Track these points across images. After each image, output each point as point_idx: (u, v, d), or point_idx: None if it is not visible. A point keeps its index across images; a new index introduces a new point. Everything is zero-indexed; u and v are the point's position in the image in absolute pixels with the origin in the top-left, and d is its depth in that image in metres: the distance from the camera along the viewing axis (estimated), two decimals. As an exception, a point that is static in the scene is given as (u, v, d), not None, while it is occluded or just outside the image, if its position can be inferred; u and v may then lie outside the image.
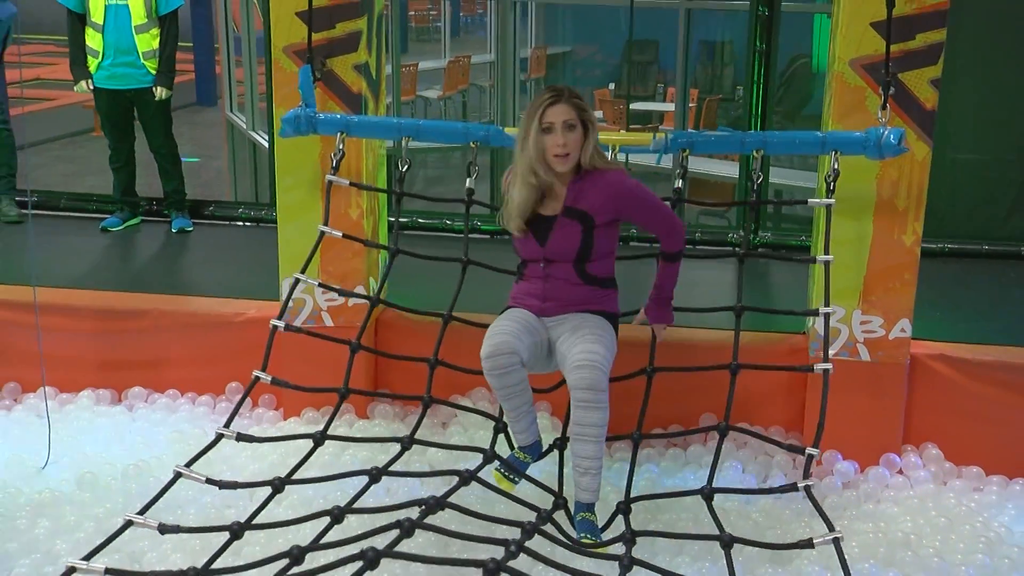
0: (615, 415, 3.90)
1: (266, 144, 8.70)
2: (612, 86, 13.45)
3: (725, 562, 3.52)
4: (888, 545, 4.19)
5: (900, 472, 4.83)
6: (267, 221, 7.25)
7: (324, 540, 3.40)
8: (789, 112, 10.21)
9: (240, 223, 7.42)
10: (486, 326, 4.19)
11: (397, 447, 4.29)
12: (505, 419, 4.20)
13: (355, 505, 3.80)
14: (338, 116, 4.69)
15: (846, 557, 3.41)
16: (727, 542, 3.51)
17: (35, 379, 5.50)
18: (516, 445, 4.16)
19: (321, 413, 5.14)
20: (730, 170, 7.18)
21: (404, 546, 3.08)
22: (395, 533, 3.08)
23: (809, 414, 4.90)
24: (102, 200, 7.42)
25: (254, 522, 3.62)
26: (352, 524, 3.61)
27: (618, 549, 3.61)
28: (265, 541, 3.95)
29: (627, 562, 3.20)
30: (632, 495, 4.14)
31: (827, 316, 4.09)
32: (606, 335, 3.96)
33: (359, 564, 2.89)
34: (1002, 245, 6.58)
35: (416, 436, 4.31)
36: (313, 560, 3.14)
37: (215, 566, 3.31)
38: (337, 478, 4.08)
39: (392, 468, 4.12)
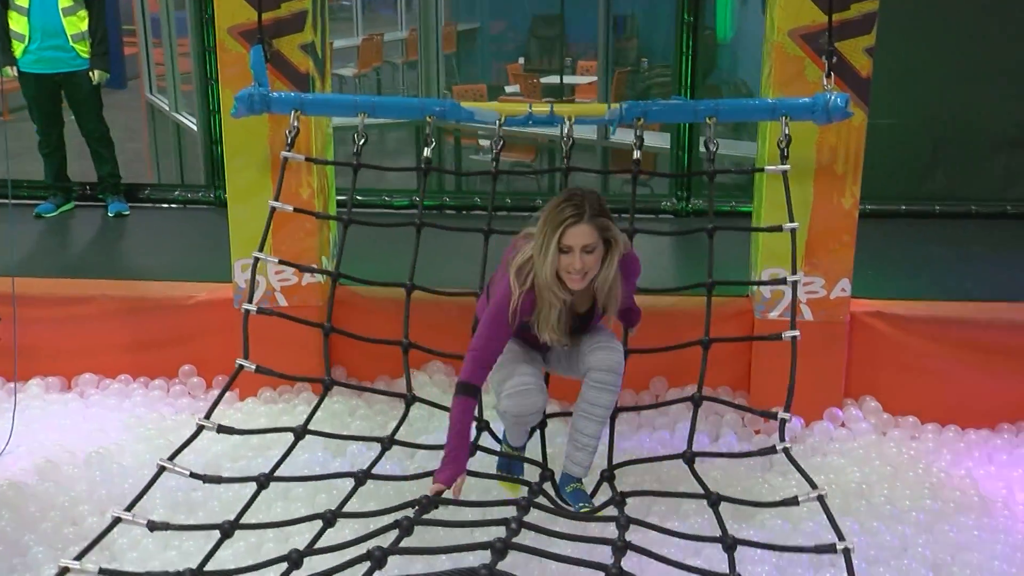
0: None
1: (192, 126, 8.45)
2: (522, 60, 13.36)
3: (703, 521, 3.52)
4: (842, 496, 4.22)
5: (843, 425, 4.88)
6: (205, 203, 7.05)
7: (319, 544, 3.31)
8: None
9: (177, 206, 7.18)
10: (447, 295, 4.14)
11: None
12: (506, 434, 4.10)
13: (350, 503, 3.74)
14: (292, 94, 4.53)
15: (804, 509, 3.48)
16: (714, 501, 3.51)
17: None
18: (509, 444, 4.09)
19: (278, 392, 5.04)
20: (660, 141, 7.14)
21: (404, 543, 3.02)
22: (394, 533, 3.00)
23: (755, 374, 4.93)
24: (33, 186, 7.11)
25: (243, 520, 3.51)
26: (344, 524, 3.56)
27: (611, 512, 3.59)
28: (254, 538, 3.86)
29: (624, 521, 3.16)
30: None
31: (795, 284, 4.09)
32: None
33: (363, 565, 2.83)
34: (919, 205, 6.70)
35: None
36: (312, 564, 3.06)
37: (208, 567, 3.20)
38: (323, 478, 4.00)
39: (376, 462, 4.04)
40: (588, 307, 3.73)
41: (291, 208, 4.43)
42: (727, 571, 3.12)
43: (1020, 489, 4.40)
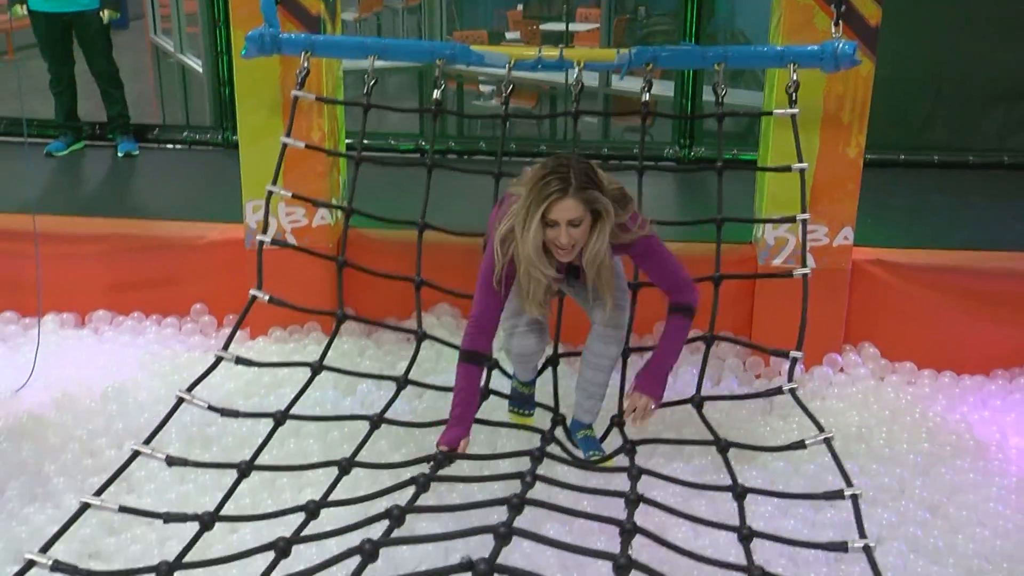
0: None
1: (197, 67, 8.39)
2: (521, 7, 13.24)
3: (707, 462, 3.55)
4: (842, 439, 4.25)
5: (842, 370, 4.91)
6: (212, 144, 7.02)
7: (336, 491, 3.38)
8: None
9: (186, 146, 7.14)
10: (457, 235, 4.16)
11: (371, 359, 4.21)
12: (513, 369, 4.10)
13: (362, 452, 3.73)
14: (303, 36, 4.49)
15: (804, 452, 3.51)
16: (723, 447, 3.54)
17: (-4, 301, 5.32)
18: (519, 380, 4.11)
19: (288, 332, 5.05)
20: (662, 89, 7.10)
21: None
22: (411, 490, 3.02)
23: (757, 320, 4.95)
24: (44, 124, 7.07)
25: (257, 461, 3.54)
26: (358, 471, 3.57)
27: (621, 461, 3.62)
28: (269, 473, 3.84)
29: (636, 472, 3.20)
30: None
31: (804, 222, 4.08)
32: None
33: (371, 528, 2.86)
34: (917, 155, 6.68)
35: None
36: (329, 514, 3.12)
37: (225, 512, 3.24)
38: (338, 419, 4.00)
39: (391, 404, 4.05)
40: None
41: (303, 144, 4.42)
42: (736, 517, 3.18)
43: (1014, 433, 4.45)
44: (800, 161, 4.20)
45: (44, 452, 4.12)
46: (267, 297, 4.04)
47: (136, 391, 4.52)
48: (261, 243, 4.13)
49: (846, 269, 4.87)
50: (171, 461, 3.41)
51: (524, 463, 3.29)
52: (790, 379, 3.80)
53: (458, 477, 3.32)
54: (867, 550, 2.89)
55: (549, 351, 4.21)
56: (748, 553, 2.94)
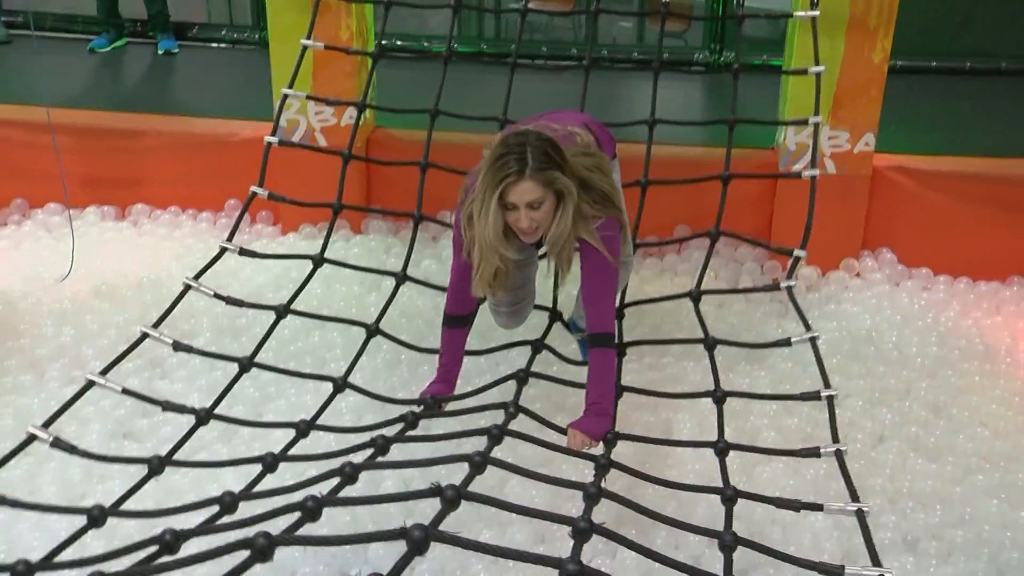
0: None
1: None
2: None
3: (708, 362, 3.55)
4: (852, 342, 4.28)
5: (858, 275, 4.89)
6: (251, 43, 7.01)
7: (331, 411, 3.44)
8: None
9: (226, 45, 7.13)
10: (470, 119, 4.26)
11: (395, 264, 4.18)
12: None
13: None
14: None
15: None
16: (711, 345, 3.52)
17: (40, 195, 5.40)
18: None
19: (318, 228, 5.08)
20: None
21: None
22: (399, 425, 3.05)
23: (776, 223, 4.93)
24: (88, 21, 7.08)
25: (257, 360, 3.57)
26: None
27: None
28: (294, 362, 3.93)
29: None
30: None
31: (816, 125, 4.00)
32: None
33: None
34: (950, 62, 6.53)
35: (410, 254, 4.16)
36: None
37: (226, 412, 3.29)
38: (340, 321, 3.97)
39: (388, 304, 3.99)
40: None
41: (323, 45, 4.39)
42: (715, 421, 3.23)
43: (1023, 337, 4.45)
44: (817, 64, 4.11)
45: (83, 337, 4.23)
46: (266, 193, 4.04)
47: (170, 282, 4.58)
48: (268, 144, 4.12)
49: (866, 175, 4.81)
50: (177, 347, 3.44)
51: (510, 390, 3.29)
52: (788, 276, 3.71)
53: (445, 412, 3.27)
54: (838, 455, 2.85)
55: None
56: (724, 469, 2.96)
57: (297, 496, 2.22)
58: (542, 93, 4.42)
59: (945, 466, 3.55)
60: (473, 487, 2.28)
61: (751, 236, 4.94)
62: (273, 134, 4.22)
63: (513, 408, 3.06)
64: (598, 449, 3.02)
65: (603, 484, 2.54)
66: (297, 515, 2.13)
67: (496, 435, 2.67)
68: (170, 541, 2.07)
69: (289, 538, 1.96)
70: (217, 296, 3.74)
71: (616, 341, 3.36)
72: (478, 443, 2.66)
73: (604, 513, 2.50)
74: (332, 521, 3.10)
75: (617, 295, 3.56)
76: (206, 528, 2.32)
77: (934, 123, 5.64)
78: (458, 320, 3.33)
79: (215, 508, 2.52)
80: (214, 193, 5.33)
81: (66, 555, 2.42)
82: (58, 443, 2.82)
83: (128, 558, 2.06)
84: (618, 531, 2.26)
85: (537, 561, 1.96)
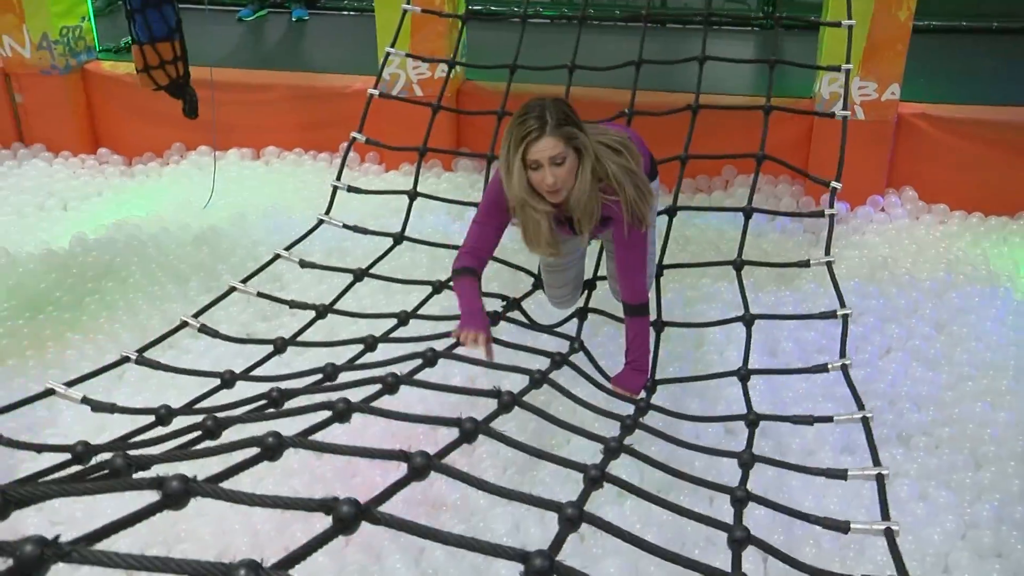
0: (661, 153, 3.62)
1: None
2: None
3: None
4: (870, 267, 4.18)
5: (882, 210, 4.76)
6: (368, 10, 7.03)
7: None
8: None
9: (348, 12, 7.19)
10: (543, 69, 4.11)
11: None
12: None
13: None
14: None
15: (837, 277, 3.38)
16: (738, 266, 3.46)
17: (194, 140, 5.57)
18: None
19: (415, 167, 5.13)
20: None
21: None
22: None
23: (812, 165, 4.79)
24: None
25: (372, 270, 3.62)
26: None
27: None
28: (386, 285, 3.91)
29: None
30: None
31: (847, 71, 3.84)
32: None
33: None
34: (977, 22, 6.23)
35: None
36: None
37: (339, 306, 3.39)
38: (444, 247, 3.87)
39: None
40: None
41: (419, 9, 4.41)
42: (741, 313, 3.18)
43: (1025, 266, 4.29)
44: (849, 19, 3.97)
45: (219, 256, 4.38)
46: (364, 138, 4.07)
47: (291, 211, 4.72)
48: (371, 96, 4.16)
49: (891, 121, 4.66)
50: (303, 264, 3.56)
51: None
52: (831, 206, 3.54)
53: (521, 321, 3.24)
54: (844, 369, 2.80)
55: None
56: (746, 392, 2.92)
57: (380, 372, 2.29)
58: (611, 51, 4.35)
59: (941, 374, 3.47)
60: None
61: (788, 177, 4.91)
62: (375, 87, 4.27)
63: (577, 343, 3.03)
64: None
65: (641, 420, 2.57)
66: (378, 387, 2.19)
67: (558, 361, 2.70)
68: (276, 397, 2.26)
69: (364, 407, 1.93)
70: (345, 227, 3.80)
71: (646, 311, 3.01)
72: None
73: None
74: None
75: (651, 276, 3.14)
76: (306, 389, 2.44)
77: (959, 76, 5.41)
78: (469, 271, 2.92)
79: (319, 376, 2.71)
80: (330, 137, 5.42)
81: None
82: (204, 329, 3.08)
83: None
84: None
85: (538, 504, 1.71)
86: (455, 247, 3.74)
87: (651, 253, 3.05)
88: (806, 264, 3.37)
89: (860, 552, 2.64)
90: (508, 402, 2.18)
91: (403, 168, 5.14)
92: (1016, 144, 4.67)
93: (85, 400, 2.64)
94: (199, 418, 2.04)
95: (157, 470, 1.53)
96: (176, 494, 1.29)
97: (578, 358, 3.04)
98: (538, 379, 2.50)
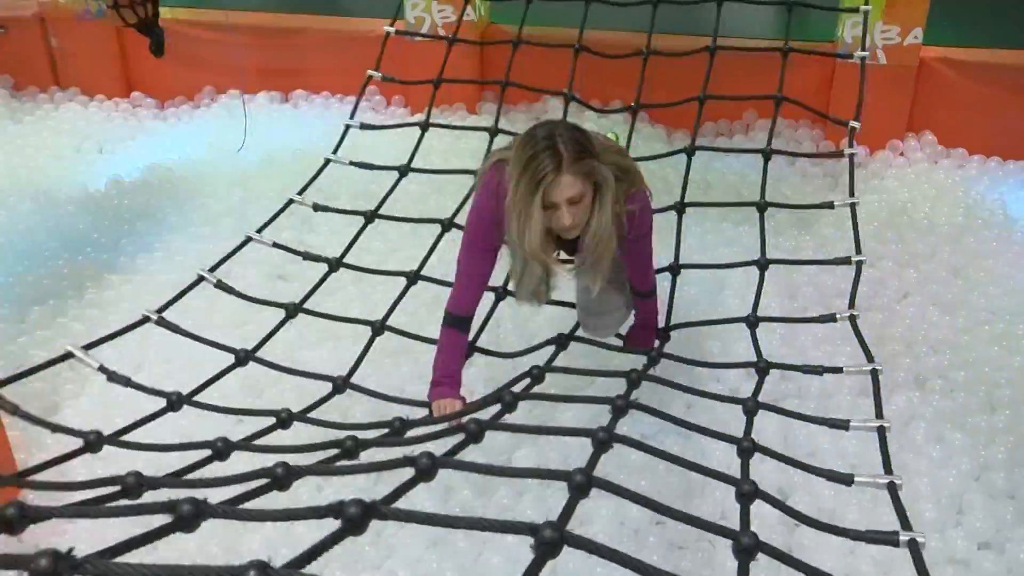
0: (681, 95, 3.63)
1: None
2: None
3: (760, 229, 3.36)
4: (889, 212, 4.09)
5: (901, 154, 4.64)
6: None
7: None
8: None
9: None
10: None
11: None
12: None
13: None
14: None
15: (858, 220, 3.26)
16: (762, 207, 3.32)
17: (223, 83, 5.49)
18: None
19: (439, 110, 5.04)
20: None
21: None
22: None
23: (834, 110, 4.65)
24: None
25: (381, 211, 3.49)
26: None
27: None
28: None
29: None
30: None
31: (866, 13, 3.71)
32: None
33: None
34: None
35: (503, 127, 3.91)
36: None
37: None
38: (449, 173, 3.83)
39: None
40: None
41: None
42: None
43: (1041, 211, 4.18)
44: None
45: (249, 198, 4.33)
46: (380, 75, 3.92)
47: (319, 152, 4.62)
48: (387, 34, 4.03)
49: (913, 66, 4.51)
50: (316, 208, 3.48)
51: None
52: (850, 145, 3.37)
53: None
54: (851, 320, 2.69)
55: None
56: (755, 341, 2.74)
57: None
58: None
59: (957, 318, 3.40)
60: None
61: (808, 121, 4.78)
62: (392, 25, 4.14)
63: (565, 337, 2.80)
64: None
65: (653, 371, 2.42)
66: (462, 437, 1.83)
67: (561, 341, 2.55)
68: (351, 447, 1.93)
69: (450, 462, 1.62)
70: (353, 163, 3.71)
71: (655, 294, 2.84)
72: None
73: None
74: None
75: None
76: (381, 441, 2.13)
77: (984, 18, 5.23)
78: (457, 322, 2.59)
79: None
80: (358, 80, 5.29)
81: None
82: (220, 285, 2.95)
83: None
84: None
85: (572, 433, 1.75)
86: (457, 171, 3.69)
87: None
88: (830, 205, 3.23)
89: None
90: (511, 402, 2.08)
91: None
92: (1035, 89, 4.52)
93: (102, 369, 2.47)
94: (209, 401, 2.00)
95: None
96: (188, 517, 1.28)
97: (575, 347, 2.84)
98: (537, 375, 2.38)
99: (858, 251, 2.93)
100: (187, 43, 5.24)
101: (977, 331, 3.32)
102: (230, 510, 1.34)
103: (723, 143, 4.80)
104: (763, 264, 3.05)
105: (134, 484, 1.60)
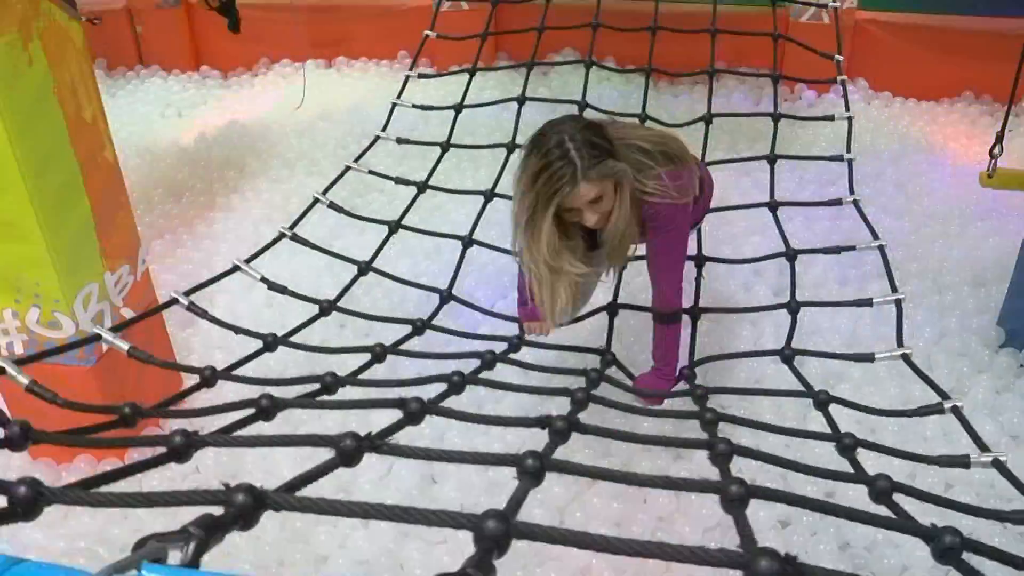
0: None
1: None
2: None
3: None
4: (840, 141, 4.11)
5: (842, 97, 4.67)
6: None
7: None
8: None
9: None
10: None
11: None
12: None
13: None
14: None
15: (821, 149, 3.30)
16: (772, 159, 3.08)
17: (276, 54, 5.36)
18: None
19: (459, 66, 4.86)
20: None
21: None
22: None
23: (788, 62, 4.61)
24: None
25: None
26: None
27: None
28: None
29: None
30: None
31: None
32: None
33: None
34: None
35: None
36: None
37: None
38: (485, 148, 3.50)
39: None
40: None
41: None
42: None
43: (950, 140, 4.27)
44: None
45: (315, 145, 4.27)
46: (435, 34, 3.72)
47: (366, 109, 4.58)
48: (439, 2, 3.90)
49: (851, 26, 4.55)
50: (400, 140, 3.32)
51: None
52: (839, 74, 3.34)
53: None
54: (856, 204, 2.80)
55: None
56: (792, 274, 2.55)
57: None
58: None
59: (903, 222, 3.51)
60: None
61: (769, 71, 4.74)
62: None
63: (609, 355, 2.31)
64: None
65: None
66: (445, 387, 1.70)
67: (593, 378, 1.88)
68: (329, 383, 1.78)
69: (436, 408, 1.42)
70: (415, 106, 3.47)
71: (676, 320, 2.25)
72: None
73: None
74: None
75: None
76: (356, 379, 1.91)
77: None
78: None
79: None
80: (392, 48, 5.24)
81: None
82: (296, 237, 2.63)
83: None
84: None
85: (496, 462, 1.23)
86: (497, 146, 3.34)
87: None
88: (830, 118, 3.26)
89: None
90: (491, 361, 1.94)
91: (450, 69, 4.89)
92: (944, 44, 4.59)
93: (263, 280, 2.38)
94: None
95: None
96: (349, 451, 1.08)
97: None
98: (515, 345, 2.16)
99: (851, 192, 2.90)
100: (245, 22, 5.08)
101: (922, 231, 3.43)
102: (226, 438, 1.25)
103: (701, 91, 4.74)
104: (774, 206, 2.83)
105: (269, 405, 1.45)
